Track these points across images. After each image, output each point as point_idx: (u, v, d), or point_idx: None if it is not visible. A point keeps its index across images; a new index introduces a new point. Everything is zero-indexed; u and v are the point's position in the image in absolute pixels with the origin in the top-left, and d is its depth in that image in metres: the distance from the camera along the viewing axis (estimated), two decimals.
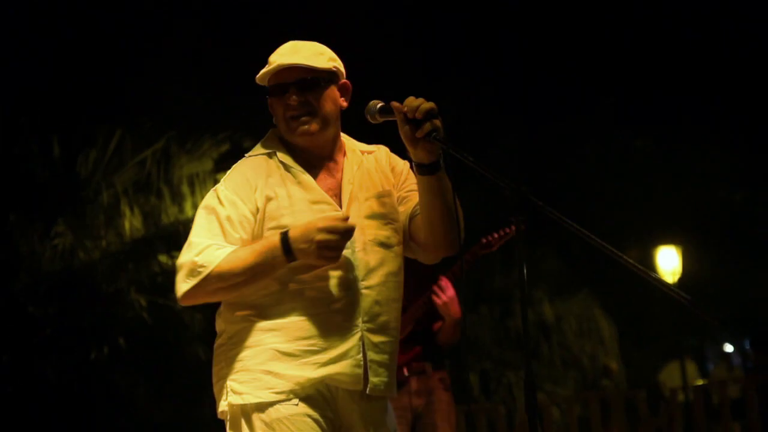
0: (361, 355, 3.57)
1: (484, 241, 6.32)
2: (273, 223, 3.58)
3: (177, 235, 13.20)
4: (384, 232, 3.69)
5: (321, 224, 3.42)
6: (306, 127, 3.64)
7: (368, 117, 3.60)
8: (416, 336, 6.39)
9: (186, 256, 3.55)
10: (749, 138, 20.16)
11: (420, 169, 3.53)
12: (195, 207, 13.71)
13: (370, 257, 3.63)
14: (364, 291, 3.59)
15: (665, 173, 21.06)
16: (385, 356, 3.64)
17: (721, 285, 21.83)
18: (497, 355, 17.24)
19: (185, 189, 13.65)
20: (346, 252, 3.54)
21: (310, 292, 3.55)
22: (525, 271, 3.16)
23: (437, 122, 3.40)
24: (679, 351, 20.12)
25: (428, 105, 3.40)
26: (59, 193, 13.23)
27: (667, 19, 20.11)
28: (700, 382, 15.54)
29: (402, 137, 3.47)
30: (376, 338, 3.61)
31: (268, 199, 3.61)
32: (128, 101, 13.70)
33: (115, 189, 13.27)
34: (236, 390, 3.57)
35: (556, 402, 13.09)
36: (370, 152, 3.86)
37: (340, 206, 3.66)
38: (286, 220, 3.57)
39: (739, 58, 20.10)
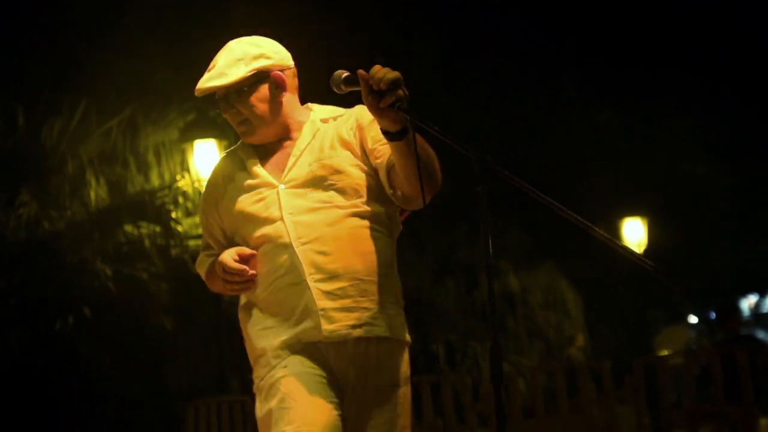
0: (315, 306, 3.75)
1: None
2: (230, 221, 4.01)
3: (143, 205, 13.17)
4: (326, 193, 3.85)
5: (221, 258, 3.91)
6: (245, 131, 3.97)
7: (333, 87, 3.61)
8: None
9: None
10: (713, 111, 20.23)
11: (387, 136, 3.58)
12: (161, 176, 13.71)
13: (305, 217, 3.82)
14: (300, 248, 3.77)
15: (630, 145, 21.12)
16: (347, 300, 3.78)
17: (686, 256, 21.96)
18: (463, 326, 17.30)
19: (151, 158, 13.63)
20: (277, 223, 3.84)
21: (262, 269, 3.84)
22: (490, 242, 3.16)
23: (401, 92, 3.42)
24: (644, 321, 20.27)
25: (393, 75, 3.42)
26: (24, 162, 13.14)
27: None
28: (665, 353, 15.62)
29: (367, 107, 3.50)
30: (330, 286, 3.76)
31: (225, 203, 4.00)
32: (93, 71, 13.58)
33: (80, 159, 13.21)
34: (253, 378, 3.93)
35: (521, 372, 13.15)
36: (335, 118, 4.00)
37: (280, 180, 3.91)
38: (235, 211, 3.96)
39: (703, 32, 20.13)
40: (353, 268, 3.79)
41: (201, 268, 4.16)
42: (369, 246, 3.84)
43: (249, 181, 3.93)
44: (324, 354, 3.76)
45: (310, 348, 3.77)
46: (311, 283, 3.74)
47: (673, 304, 26.72)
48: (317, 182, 3.84)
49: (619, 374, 11.33)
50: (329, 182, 3.84)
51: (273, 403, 3.74)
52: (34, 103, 13.22)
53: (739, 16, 20.20)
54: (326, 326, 3.72)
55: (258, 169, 3.93)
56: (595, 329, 19.25)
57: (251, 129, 3.92)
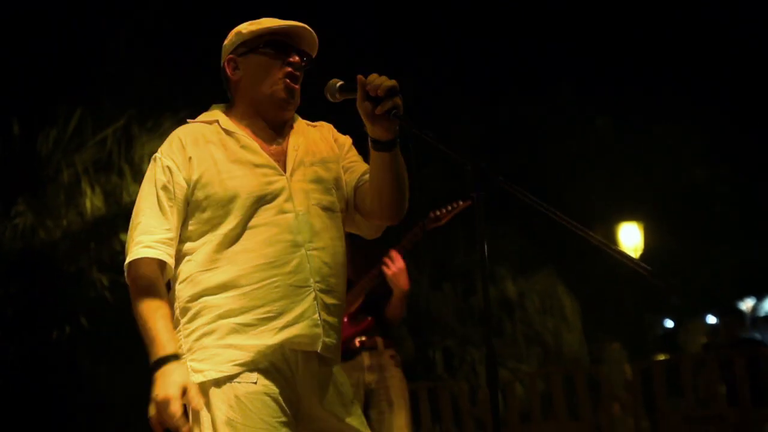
0: (317, 315, 3.56)
1: (432, 215, 6.37)
2: (215, 188, 3.60)
3: None
4: (328, 197, 3.72)
5: (162, 398, 3.36)
6: (289, 101, 3.73)
7: (328, 95, 3.59)
8: (368, 307, 6.46)
9: (128, 247, 3.64)
10: (710, 116, 20.26)
11: (376, 145, 3.54)
12: None
13: (315, 220, 3.63)
14: (312, 252, 3.59)
15: (627, 150, 21.14)
16: (335, 319, 3.65)
17: (682, 261, 21.98)
18: (460, 332, 17.29)
19: (146, 167, 13.59)
20: (288, 215, 3.58)
21: (259, 260, 3.53)
22: (485, 248, 3.16)
23: (398, 100, 3.41)
24: (642, 326, 20.25)
25: (390, 82, 3.41)
26: (19, 172, 13.14)
27: None
28: (661, 357, 15.63)
29: (360, 113, 3.47)
30: (328, 300, 3.61)
31: (206, 168, 3.61)
32: (88, 80, 13.60)
33: (75, 168, 13.20)
34: (196, 368, 3.53)
35: (519, 378, 13.15)
36: (314, 126, 3.91)
37: (284, 170, 3.66)
38: (231, 183, 3.59)
39: (700, 37, 20.17)
40: (341, 289, 3.71)
41: (136, 293, 3.60)
42: (346, 271, 3.78)
43: (250, 157, 3.65)
44: (291, 374, 3.56)
45: (281, 366, 3.54)
46: (316, 291, 3.57)
47: (671, 308, 26.74)
48: (322, 183, 3.72)
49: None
50: (331, 186, 3.75)
51: (231, 414, 3.47)
52: (29, 113, 13.22)
53: (736, 23, 20.25)
54: (326, 338, 3.58)
55: (258, 148, 3.68)
56: (592, 334, 19.23)
57: (294, 101, 3.75)
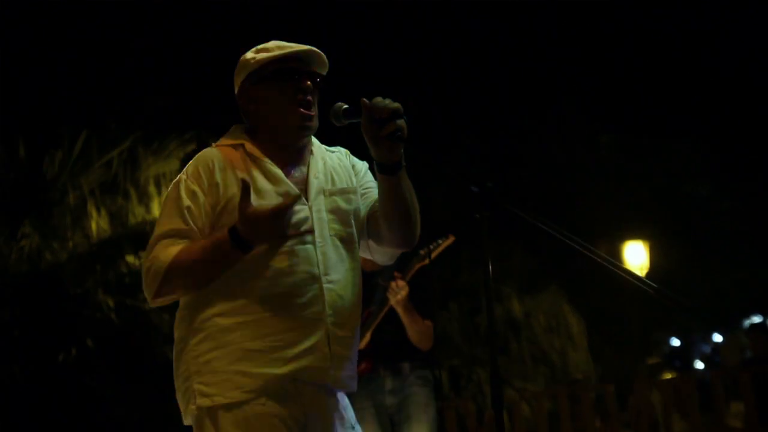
0: (327, 348, 3.55)
1: (422, 253, 6.34)
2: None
3: (144, 236, 13.15)
4: (347, 228, 3.70)
5: (270, 211, 3.40)
6: (308, 126, 3.68)
7: (333, 119, 3.59)
8: (374, 346, 6.41)
9: (145, 258, 3.58)
10: (714, 133, 20.26)
11: (381, 168, 3.54)
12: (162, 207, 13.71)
13: (332, 252, 3.63)
14: (327, 285, 3.58)
15: (631, 168, 21.12)
16: (348, 351, 3.65)
17: (688, 279, 21.94)
18: (466, 351, 17.26)
19: (152, 189, 13.62)
20: (308, 246, 3.56)
21: (274, 289, 3.51)
22: (490, 267, 3.17)
23: (402, 122, 3.41)
24: (648, 344, 20.20)
25: (394, 105, 3.41)
26: (25, 194, 13.16)
27: (631, 15, 20.19)
28: (668, 376, 15.58)
29: (365, 136, 3.47)
30: (340, 332, 3.60)
31: (233, 194, 3.56)
32: (93, 102, 13.63)
33: (81, 190, 13.22)
34: (204, 392, 3.53)
35: (525, 397, 13.11)
36: (332, 151, 3.88)
37: (307, 199, 3.63)
38: None
39: (703, 55, 20.19)
40: (354, 322, 3.71)
41: (164, 260, 3.51)
42: (360, 302, 3.76)
43: (274, 186, 3.61)
44: (298, 395, 3.56)
45: (289, 389, 3.54)
46: (329, 325, 3.56)
47: (677, 327, 26.68)
48: (340, 213, 3.70)
49: (623, 398, 11.29)
50: (349, 217, 3.73)
51: None
52: (35, 135, 13.25)
53: (741, 40, 20.28)
54: (337, 372, 3.59)
55: (281, 175, 3.65)
56: (598, 353, 19.20)
57: (312, 125, 3.69)
